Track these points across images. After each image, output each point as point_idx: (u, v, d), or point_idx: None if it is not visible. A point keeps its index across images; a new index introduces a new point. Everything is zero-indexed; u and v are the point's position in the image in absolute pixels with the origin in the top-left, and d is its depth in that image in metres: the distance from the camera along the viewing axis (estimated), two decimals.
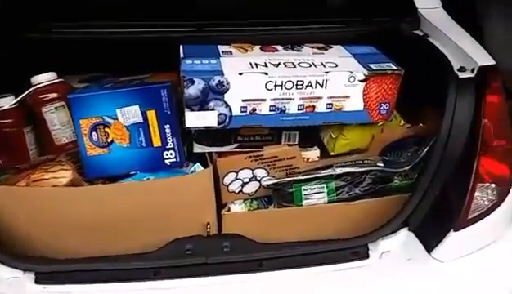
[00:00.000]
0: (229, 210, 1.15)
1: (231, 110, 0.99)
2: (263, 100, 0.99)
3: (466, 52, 1.06)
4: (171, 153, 1.07)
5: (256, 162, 1.11)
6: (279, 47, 1.13)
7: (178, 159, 1.08)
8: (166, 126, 1.04)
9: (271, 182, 1.12)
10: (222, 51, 1.07)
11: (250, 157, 1.10)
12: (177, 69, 0.99)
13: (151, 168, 1.08)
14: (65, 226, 0.98)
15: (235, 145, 1.12)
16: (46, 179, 1.00)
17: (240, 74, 0.96)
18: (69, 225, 0.99)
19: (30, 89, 1.07)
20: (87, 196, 1.00)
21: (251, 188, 1.15)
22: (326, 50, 1.14)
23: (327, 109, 1.03)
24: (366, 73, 1.01)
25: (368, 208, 1.11)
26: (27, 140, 1.08)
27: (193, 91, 0.95)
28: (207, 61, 1.00)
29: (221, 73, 0.96)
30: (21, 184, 1.00)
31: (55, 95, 1.11)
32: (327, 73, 1.00)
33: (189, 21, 1.16)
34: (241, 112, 0.99)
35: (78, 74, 1.28)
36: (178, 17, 1.16)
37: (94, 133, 1.03)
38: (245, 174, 1.12)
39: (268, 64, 1.01)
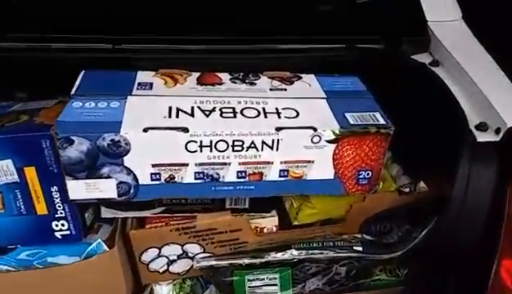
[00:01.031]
0: None
1: (136, 178, 0.68)
2: (185, 165, 0.68)
3: (490, 100, 0.73)
4: (62, 224, 0.77)
5: (186, 236, 0.80)
6: (225, 77, 0.80)
7: (74, 232, 0.77)
8: (53, 189, 0.73)
9: (204, 264, 0.81)
10: (139, 84, 0.75)
11: (178, 230, 0.79)
12: None
13: (37, 241, 0.78)
14: None
15: (160, 210, 0.82)
16: None
17: (145, 131, 0.64)
18: None
19: None
20: None
21: (181, 267, 0.85)
22: (292, 83, 0.81)
23: (281, 176, 0.71)
24: (337, 130, 0.68)
25: None
26: None
27: (73, 153, 0.64)
28: (105, 104, 0.68)
29: (117, 127, 0.64)
30: None
31: None
32: (279, 130, 0.67)
33: (104, 35, 0.83)
34: (152, 180, 0.68)
35: None
36: (90, 29, 0.83)
37: None
38: (172, 250, 0.82)
39: (196, 111, 0.69)
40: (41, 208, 0.75)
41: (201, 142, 0.66)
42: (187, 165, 0.68)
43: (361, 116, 0.71)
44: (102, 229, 0.84)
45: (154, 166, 0.67)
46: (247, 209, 0.84)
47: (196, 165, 0.68)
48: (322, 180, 0.73)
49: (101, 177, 0.66)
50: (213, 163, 0.68)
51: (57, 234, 0.77)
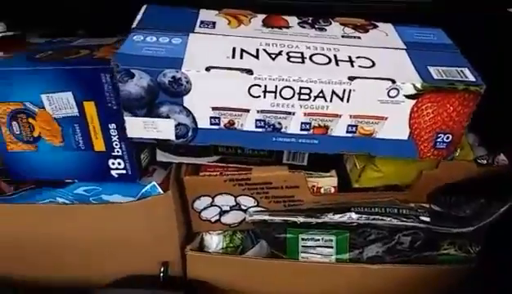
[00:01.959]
0: (201, 244, 0.85)
1: (195, 121, 0.64)
2: (246, 110, 0.63)
3: None
4: (119, 163, 0.76)
5: (240, 188, 0.77)
6: (292, 20, 0.74)
7: (130, 172, 0.76)
8: (111, 126, 0.72)
9: (257, 218, 0.78)
10: (202, 22, 0.70)
11: (232, 180, 0.76)
12: None
13: (94, 178, 0.78)
14: None
15: (216, 158, 0.79)
16: None
17: (208, 70, 0.60)
18: None
19: None
20: None
21: (233, 218, 0.83)
22: (367, 31, 0.73)
23: (348, 132, 0.65)
24: (418, 84, 0.61)
25: (397, 277, 0.76)
26: None
27: (133, 88, 0.61)
28: (167, 39, 0.65)
29: (178, 64, 0.60)
30: None
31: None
32: (352, 79, 0.61)
33: None
34: (211, 124, 0.65)
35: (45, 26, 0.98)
36: None
37: (15, 123, 0.74)
38: (225, 200, 0.80)
39: (261, 54, 0.64)
40: (99, 145, 0.74)
41: (266, 87, 0.61)
42: (249, 111, 0.63)
43: (447, 71, 0.63)
44: (157, 172, 0.83)
45: (214, 109, 0.63)
46: (305, 166, 0.79)
47: (258, 112, 0.63)
48: (394, 141, 0.66)
49: (159, 116, 0.64)
50: (277, 112, 0.63)
51: (113, 173, 0.77)
